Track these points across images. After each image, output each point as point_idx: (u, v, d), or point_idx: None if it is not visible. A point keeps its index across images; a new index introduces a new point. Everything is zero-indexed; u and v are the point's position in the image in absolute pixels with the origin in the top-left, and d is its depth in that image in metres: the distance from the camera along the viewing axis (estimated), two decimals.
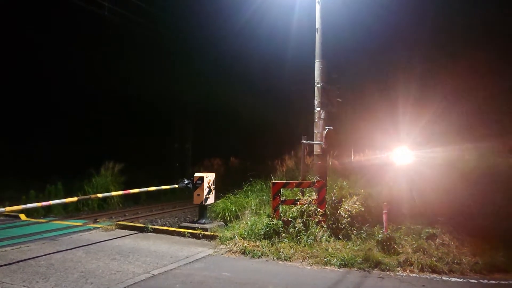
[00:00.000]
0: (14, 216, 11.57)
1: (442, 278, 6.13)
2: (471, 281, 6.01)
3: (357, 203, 8.12)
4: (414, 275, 6.25)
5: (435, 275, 6.22)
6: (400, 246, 7.08)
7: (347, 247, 7.31)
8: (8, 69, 21.11)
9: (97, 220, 11.49)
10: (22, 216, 11.60)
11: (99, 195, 9.76)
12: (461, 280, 6.04)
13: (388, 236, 7.16)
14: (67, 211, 13.35)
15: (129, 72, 22.59)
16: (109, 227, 9.87)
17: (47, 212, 12.68)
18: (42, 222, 11.07)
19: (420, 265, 6.43)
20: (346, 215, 7.96)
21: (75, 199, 9.04)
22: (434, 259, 6.54)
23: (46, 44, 21.24)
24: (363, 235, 7.70)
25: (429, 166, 9.78)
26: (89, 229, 9.95)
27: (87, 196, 10.99)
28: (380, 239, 7.17)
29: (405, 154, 10.26)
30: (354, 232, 7.81)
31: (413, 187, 9.05)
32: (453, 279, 6.07)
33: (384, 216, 7.33)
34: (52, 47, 21.37)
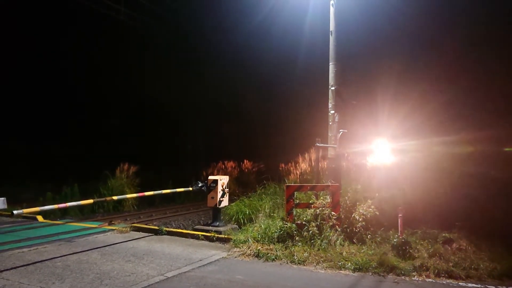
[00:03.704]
0: (31, 217, 11.75)
1: (459, 283, 6.03)
2: (488, 287, 5.89)
3: (372, 206, 8.04)
4: (430, 280, 6.16)
5: (451, 281, 6.12)
6: (416, 251, 6.99)
7: (362, 251, 7.24)
8: (25, 73, 21.57)
9: (112, 222, 11.60)
10: (39, 218, 11.77)
11: (115, 198, 9.85)
12: (479, 286, 5.92)
13: (403, 240, 7.08)
14: (83, 213, 13.53)
15: (143, 75, 22.85)
16: (124, 229, 9.96)
17: (63, 214, 12.87)
18: (58, 224, 11.23)
19: (436, 270, 6.33)
20: (360, 219, 7.88)
21: (91, 201, 9.16)
22: (450, 264, 6.44)
23: (62, 48, 21.62)
24: (378, 239, 7.62)
25: (449, 167, 9.64)
26: (104, 231, 10.06)
27: (103, 199, 11.09)
28: (395, 243, 7.09)
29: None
30: (369, 236, 7.73)
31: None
32: (470, 285, 5.96)
33: (399, 220, 7.25)
34: (67, 51, 21.74)
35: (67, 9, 19.89)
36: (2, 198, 6.37)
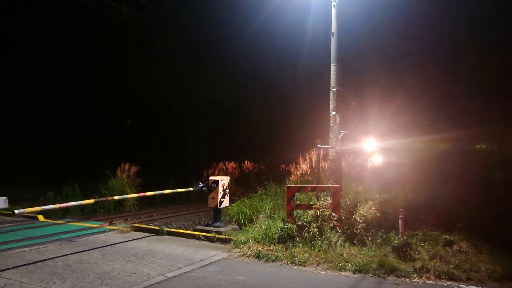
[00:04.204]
0: (32, 217, 11.77)
1: (460, 285, 6.03)
2: None
3: (373, 208, 8.04)
4: (430, 282, 6.16)
5: (452, 283, 6.12)
6: (416, 253, 6.99)
7: (362, 252, 7.25)
8: (25, 72, 21.61)
9: (113, 222, 11.61)
10: (40, 217, 11.79)
11: (116, 197, 9.85)
12: None
13: (404, 242, 7.08)
14: (83, 213, 13.55)
15: (144, 75, 22.87)
16: (124, 229, 9.97)
17: (64, 213, 12.89)
18: (59, 223, 11.24)
19: (437, 272, 6.34)
20: (361, 220, 7.88)
21: (92, 201, 9.18)
22: (451, 266, 6.44)
23: (63, 48, 21.66)
24: (379, 241, 7.62)
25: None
26: (105, 231, 10.07)
27: (104, 198, 11.12)
28: (396, 245, 7.09)
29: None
30: (369, 237, 7.73)
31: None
32: (470, 287, 5.97)
33: (400, 221, 7.25)
34: (68, 51, 21.77)
35: (69, 9, 19.91)
36: (4, 198, 6.38)
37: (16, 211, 6.87)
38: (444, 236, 7.46)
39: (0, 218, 11.76)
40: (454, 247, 7.12)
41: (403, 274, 6.39)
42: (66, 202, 8.49)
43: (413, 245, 7.19)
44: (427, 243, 7.35)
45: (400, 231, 7.26)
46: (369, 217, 7.92)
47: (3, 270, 6.47)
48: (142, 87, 23.90)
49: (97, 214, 13.70)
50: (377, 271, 6.49)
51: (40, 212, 11.63)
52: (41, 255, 7.45)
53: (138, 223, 11.30)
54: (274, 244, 7.79)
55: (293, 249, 7.49)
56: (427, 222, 8.11)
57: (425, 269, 6.45)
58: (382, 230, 7.89)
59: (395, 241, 7.19)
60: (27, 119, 22.24)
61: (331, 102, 9.54)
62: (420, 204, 8.59)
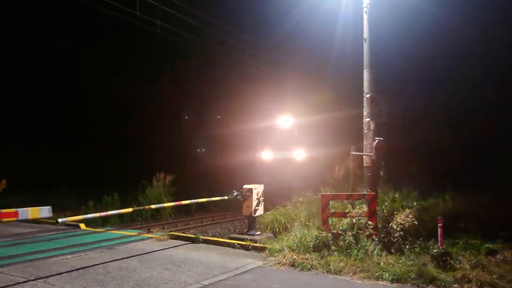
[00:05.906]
0: (74, 225, 12.20)
1: None
2: None
3: (410, 216, 7.86)
4: None
5: None
6: (457, 262, 6.79)
7: (400, 261, 7.08)
8: (62, 84, 22.45)
9: (151, 230, 11.86)
10: (82, 226, 12.19)
11: (153, 206, 10.10)
12: None
13: (443, 251, 6.88)
14: (122, 221, 13.89)
15: (175, 84, 23.27)
16: (162, 237, 10.17)
17: (104, 222, 13.26)
18: (100, 232, 11.59)
19: (479, 283, 6.09)
20: (398, 229, 7.72)
21: (130, 210, 9.41)
22: (494, 276, 6.20)
23: (99, 59, 22.37)
24: (417, 250, 7.44)
25: None
26: (143, 239, 10.30)
27: (142, 207, 11.38)
28: (435, 254, 6.89)
29: None
30: (407, 246, 7.56)
31: None
32: None
33: (439, 230, 7.05)
34: (104, 62, 22.45)
35: (99, 19, 20.47)
36: (48, 207, 6.66)
37: (60, 220, 7.16)
38: (486, 245, 7.22)
39: (44, 226, 12.24)
40: (497, 256, 6.88)
41: (443, 284, 6.20)
42: (106, 211, 8.78)
43: (453, 254, 6.99)
44: (468, 252, 7.14)
45: (439, 239, 7.07)
46: (406, 225, 7.74)
47: (47, 277, 6.75)
48: (176, 96, 24.33)
49: (135, 222, 14.02)
50: (415, 281, 6.32)
51: (81, 221, 12.01)
52: (83, 262, 7.71)
53: (174, 231, 11.50)
54: (309, 253, 7.73)
55: (329, 258, 7.41)
56: (467, 230, 7.86)
57: (466, 279, 6.23)
58: (421, 239, 7.70)
59: (434, 250, 7.01)
60: (67, 130, 23.11)
61: (364, 109, 9.43)
62: (459, 212, 8.33)
